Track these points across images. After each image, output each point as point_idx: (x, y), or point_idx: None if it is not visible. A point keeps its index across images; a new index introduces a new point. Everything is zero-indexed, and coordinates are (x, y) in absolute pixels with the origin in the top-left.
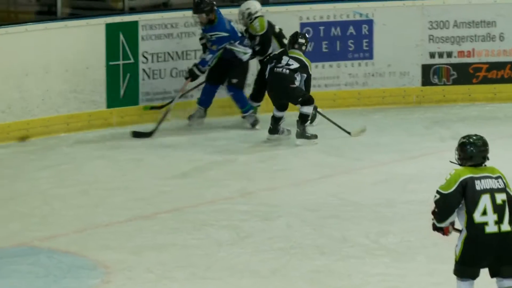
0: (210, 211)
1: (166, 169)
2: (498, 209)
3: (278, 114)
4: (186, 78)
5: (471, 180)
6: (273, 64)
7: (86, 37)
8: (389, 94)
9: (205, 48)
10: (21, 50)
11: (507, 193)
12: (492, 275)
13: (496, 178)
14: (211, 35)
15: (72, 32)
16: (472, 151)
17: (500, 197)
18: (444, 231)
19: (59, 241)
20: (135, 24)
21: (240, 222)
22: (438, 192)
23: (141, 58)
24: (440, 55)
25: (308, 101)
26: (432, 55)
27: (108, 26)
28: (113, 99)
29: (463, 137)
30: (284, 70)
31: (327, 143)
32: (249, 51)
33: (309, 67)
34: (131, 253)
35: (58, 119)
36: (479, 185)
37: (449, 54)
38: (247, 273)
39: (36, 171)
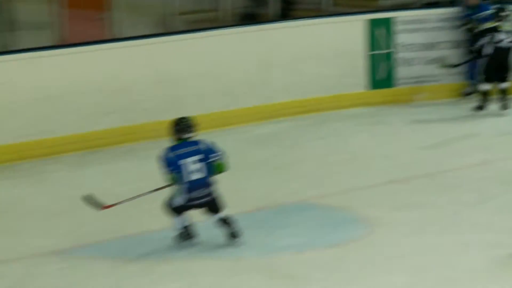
0: (457, 177)
1: (419, 141)
2: None
3: (487, 87)
4: (473, 58)
5: None
6: (490, 38)
7: (352, 31)
8: None
9: (470, 33)
10: (301, 39)
11: None
12: None
13: None
14: (480, 16)
15: (340, 27)
16: None
17: None
18: None
19: (331, 199)
20: (392, 20)
21: (483, 186)
22: None
23: (397, 49)
24: None
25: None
26: None
27: (370, 22)
28: (374, 82)
29: None
30: (506, 44)
31: None
32: None
33: None
34: (390, 211)
35: (329, 98)
36: None
37: None
38: (488, 230)
39: (311, 141)
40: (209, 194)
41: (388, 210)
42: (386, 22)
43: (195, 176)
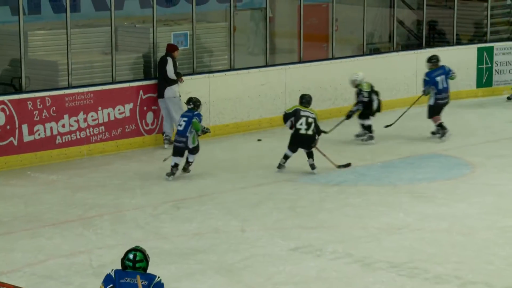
0: None
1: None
2: None
3: None
4: None
5: None
6: None
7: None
8: None
9: None
10: None
11: None
12: None
13: None
14: None
15: (460, 52)
16: None
17: None
18: None
19: (450, 152)
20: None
21: None
22: None
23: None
24: None
25: None
26: None
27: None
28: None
29: None
30: None
31: None
32: None
33: None
34: (486, 158)
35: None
36: None
37: None
38: None
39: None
40: None
41: (484, 158)
42: (489, 49)
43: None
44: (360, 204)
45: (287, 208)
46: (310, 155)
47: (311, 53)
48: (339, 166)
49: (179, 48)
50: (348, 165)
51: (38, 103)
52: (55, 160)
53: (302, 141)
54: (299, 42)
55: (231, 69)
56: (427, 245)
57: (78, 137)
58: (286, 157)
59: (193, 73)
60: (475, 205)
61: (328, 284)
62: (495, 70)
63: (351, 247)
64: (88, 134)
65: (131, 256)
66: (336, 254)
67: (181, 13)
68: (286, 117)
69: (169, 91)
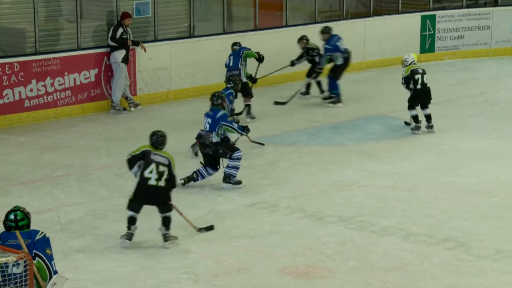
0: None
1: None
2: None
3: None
4: None
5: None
6: None
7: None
8: None
9: None
10: (383, 27)
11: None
12: None
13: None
14: None
15: (406, 19)
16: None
17: None
18: None
19: (394, 113)
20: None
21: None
22: None
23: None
24: None
25: None
26: None
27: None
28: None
29: None
30: None
31: None
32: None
33: None
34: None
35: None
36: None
37: None
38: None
39: (386, 81)
40: None
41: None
42: (432, 17)
43: None
44: (312, 163)
45: (244, 167)
46: (165, 221)
47: (266, 21)
48: (200, 230)
49: (141, 16)
50: (210, 228)
51: (7, 69)
52: (24, 122)
53: (151, 195)
54: (255, 11)
55: (191, 36)
56: (373, 200)
57: (46, 101)
58: (130, 221)
59: (155, 40)
60: (418, 163)
61: (282, 237)
62: (437, 36)
63: (303, 203)
64: (55, 98)
65: (12, 216)
66: (289, 210)
67: None
68: (132, 161)
69: (111, 57)
